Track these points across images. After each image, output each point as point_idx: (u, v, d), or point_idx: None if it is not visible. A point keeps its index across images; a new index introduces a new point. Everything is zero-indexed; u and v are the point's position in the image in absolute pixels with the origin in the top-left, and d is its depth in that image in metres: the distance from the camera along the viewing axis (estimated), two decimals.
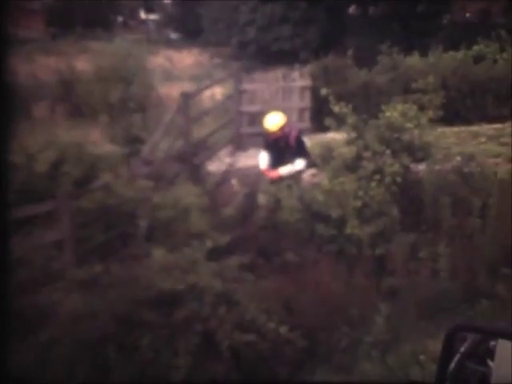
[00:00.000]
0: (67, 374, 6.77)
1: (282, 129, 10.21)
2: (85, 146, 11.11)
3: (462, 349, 3.09)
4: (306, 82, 14.10)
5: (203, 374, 6.93)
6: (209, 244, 8.09)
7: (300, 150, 10.21)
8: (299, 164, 10.25)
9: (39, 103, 14.33)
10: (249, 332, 7.11)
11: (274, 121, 10.30)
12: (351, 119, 9.75)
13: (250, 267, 8.22)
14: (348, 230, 8.96)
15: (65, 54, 16.43)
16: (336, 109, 9.73)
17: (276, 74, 14.15)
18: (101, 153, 11.07)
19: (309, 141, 10.83)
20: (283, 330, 7.17)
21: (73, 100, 14.37)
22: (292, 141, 10.19)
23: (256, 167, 11.95)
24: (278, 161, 10.29)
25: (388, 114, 9.70)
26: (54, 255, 9.18)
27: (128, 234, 9.47)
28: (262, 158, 10.48)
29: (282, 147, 10.21)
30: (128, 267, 7.91)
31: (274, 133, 10.27)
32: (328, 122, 10.01)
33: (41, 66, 16.21)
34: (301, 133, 10.48)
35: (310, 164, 10.19)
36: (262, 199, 10.22)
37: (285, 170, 10.22)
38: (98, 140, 12.22)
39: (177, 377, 6.71)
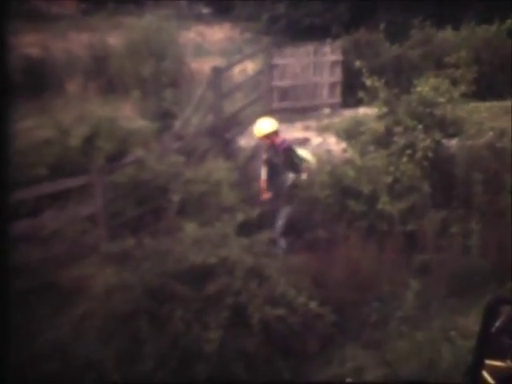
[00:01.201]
0: (102, 346, 6.87)
1: (270, 136, 9.79)
2: (117, 120, 11.16)
3: (498, 323, 3.11)
4: (337, 56, 14.01)
5: (234, 347, 7.00)
6: (240, 218, 8.13)
7: (290, 164, 9.66)
8: (289, 178, 9.69)
9: (72, 79, 14.42)
10: (279, 306, 7.17)
11: (263, 126, 9.91)
12: (383, 93, 9.70)
13: None
14: (379, 206, 8.95)
15: (97, 30, 16.45)
16: (368, 82, 9.67)
17: (307, 49, 14.06)
18: (133, 128, 11.12)
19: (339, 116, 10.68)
20: (313, 304, 7.21)
21: (105, 75, 14.42)
22: (281, 152, 9.68)
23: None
24: (271, 173, 9.84)
25: (420, 88, 9.63)
26: (87, 229, 9.32)
27: (160, 208, 9.57)
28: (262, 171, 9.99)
29: (274, 159, 9.75)
30: (160, 241, 7.99)
31: (261, 138, 9.94)
32: (359, 96, 9.99)
33: (73, 41, 16.29)
34: (291, 145, 9.87)
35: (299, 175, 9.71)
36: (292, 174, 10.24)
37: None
38: (130, 115, 12.26)
39: (208, 349, 6.78)
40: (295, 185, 9.52)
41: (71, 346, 6.97)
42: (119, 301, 7.14)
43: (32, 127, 11.34)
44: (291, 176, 9.63)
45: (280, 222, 9.46)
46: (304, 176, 9.56)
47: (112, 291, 7.28)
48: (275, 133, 9.80)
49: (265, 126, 9.85)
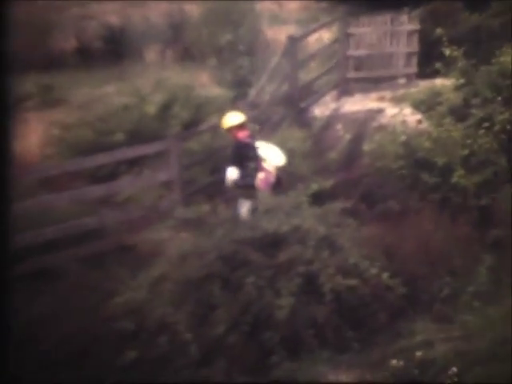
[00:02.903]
0: (175, 309, 7.02)
1: (235, 129, 9.05)
2: (193, 88, 11.31)
3: None
4: (415, 25, 13.77)
5: (304, 315, 7.07)
6: (314, 187, 8.16)
7: (239, 160, 8.93)
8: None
9: (150, 46, 14.64)
10: (351, 276, 7.19)
11: (230, 118, 9.13)
12: (461, 64, 9.51)
13: (352, 213, 8.26)
14: (453, 179, 8.84)
15: None
16: (447, 52, 9.49)
17: (384, 18, 13.85)
18: (209, 95, 11.26)
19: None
20: (385, 276, 7.21)
21: (182, 43, 14.59)
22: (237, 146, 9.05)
23: (361, 112, 11.90)
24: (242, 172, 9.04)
25: (502, 59, 9.40)
26: (162, 194, 9.52)
27: None
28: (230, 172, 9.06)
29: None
30: (234, 208, 8.10)
31: (240, 127, 9.07)
32: (436, 66, 9.82)
33: (152, 9, 16.47)
34: (250, 143, 9.07)
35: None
36: (366, 145, 10.20)
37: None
38: (206, 83, 12.40)
39: (279, 316, 6.87)
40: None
41: (146, 307, 7.13)
42: (193, 265, 7.28)
43: (111, 93, 11.61)
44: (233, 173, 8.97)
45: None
46: (261, 175, 8.88)
47: (186, 256, 7.43)
48: (241, 126, 9.13)
49: (235, 118, 9.16)
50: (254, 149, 9.02)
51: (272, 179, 8.91)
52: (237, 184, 8.91)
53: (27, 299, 7.22)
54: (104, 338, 6.84)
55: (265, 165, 8.92)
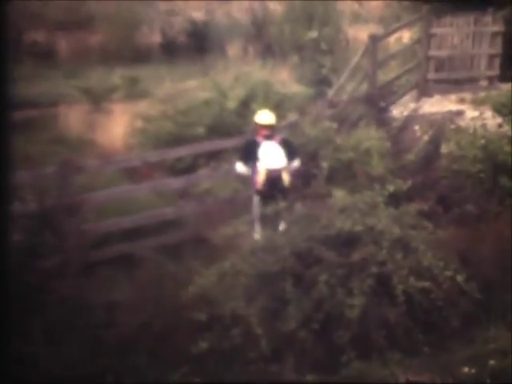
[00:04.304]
0: (247, 303, 7.12)
1: (272, 127, 9.20)
2: (273, 85, 11.38)
3: None
4: (499, 27, 13.53)
5: (376, 315, 7.07)
6: (391, 188, 8.14)
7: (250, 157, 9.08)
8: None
9: (233, 42, 14.81)
10: (424, 279, 7.15)
11: (263, 116, 9.27)
12: None
13: (428, 215, 8.20)
14: None
15: None
16: None
17: (467, 19, 13.65)
18: (288, 92, 11.32)
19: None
20: (459, 280, 7.15)
21: (264, 40, 14.70)
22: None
23: (440, 114, 11.77)
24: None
25: None
26: (238, 189, 9.65)
27: (309, 174, 9.72)
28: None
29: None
30: (309, 206, 8.13)
31: (264, 127, 9.16)
32: None
33: (235, 6, 16.65)
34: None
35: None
36: (444, 147, 10.10)
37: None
38: (285, 80, 12.47)
39: (350, 315, 6.90)
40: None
41: (218, 299, 7.24)
42: (267, 260, 7.36)
43: (193, 88, 11.81)
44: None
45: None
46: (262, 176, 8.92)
47: (260, 250, 7.52)
48: (268, 127, 9.19)
49: (264, 117, 9.27)
50: (259, 148, 9.05)
51: (259, 180, 8.89)
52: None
53: (106, 285, 7.46)
54: (178, 327, 6.98)
55: (258, 165, 8.95)
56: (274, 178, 8.88)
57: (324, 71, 12.36)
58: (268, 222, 8.12)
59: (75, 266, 8.14)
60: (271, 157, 9.00)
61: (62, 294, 7.11)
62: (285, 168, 8.98)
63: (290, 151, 9.11)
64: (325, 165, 9.72)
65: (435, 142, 10.49)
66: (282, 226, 8.22)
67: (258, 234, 8.53)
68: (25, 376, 5.95)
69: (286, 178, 8.96)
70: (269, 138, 9.11)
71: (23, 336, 6.18)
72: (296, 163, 9.20)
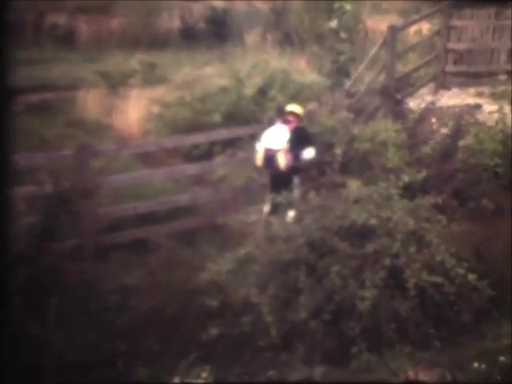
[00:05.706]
0: (259, 291, 7.13)
1: (295, 115, 9.50)
2: (291, 73, 11.35)
3: None
4: None
5: (387, 308, 7.07)
6: (405, 180, 8.11)
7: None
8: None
9: (252, 30, 14.77)
10: (437, 273, 7.12)
11: (295, 106, 9.67)
12: None
13: (443, 209, 8.17)
14: None
15: None
16: None
17: (488, 11, 13.52)
18: (306, 81, 11.28)
19: None
20: (472, 276, 7.12)
21: (283, 28, 14.65)
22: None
23: (457, 107, 11.69)
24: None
25: None
26: (253, 177, 9.65)
27: (324, 163, 9.71)
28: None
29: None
30: (323, 196, 8.12)
31: (288, 113, 9.55)
32: None
33: None
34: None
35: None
36: (462, 140, 10.04)
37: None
38: (303, 69, 12.43)
39: (362, 307, 6.90)
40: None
41: (230, 286, 7.26)
42: (280, 249, 7.37)
43: (211, 75, 11.80)
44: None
45: None
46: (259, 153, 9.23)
47: (274, 239, 7.52)
48: (295, 116, 9.53)
49: (294, 106, 9.67)
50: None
51: (258, 157, 9.15)
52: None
53: (119, 269, 7.50)
54: (190, 313, 7.01)
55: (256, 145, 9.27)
56: (269, 156, 9.12)
57: (342, 58, 12.26)
58: (278, 208, 8.12)
59: (90, 250, 8.19)
60: (270, 138, 9.22)
61: (75, 277, 7.16)
62: (280, 150, 9.12)
63: (302, 139, 9.30)
64: (340, 155, 9.71)
65: (452, 135, 10.42)
66: (290, 214, 8.27)
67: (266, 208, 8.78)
68: (37, 359, 6.00)
69: (280, 158, 9.10)
70: (285, 122, 9.30)
71: (36, 319, 6.22)
72: (309, 151, 9.26)
